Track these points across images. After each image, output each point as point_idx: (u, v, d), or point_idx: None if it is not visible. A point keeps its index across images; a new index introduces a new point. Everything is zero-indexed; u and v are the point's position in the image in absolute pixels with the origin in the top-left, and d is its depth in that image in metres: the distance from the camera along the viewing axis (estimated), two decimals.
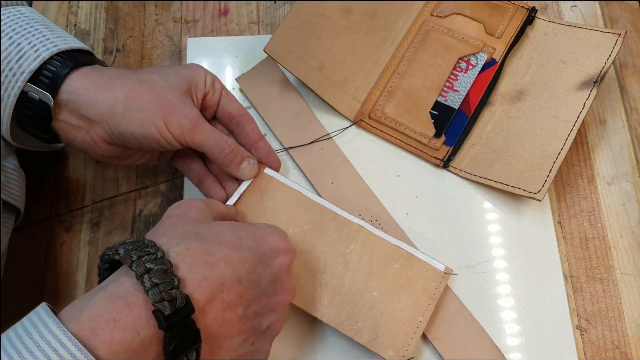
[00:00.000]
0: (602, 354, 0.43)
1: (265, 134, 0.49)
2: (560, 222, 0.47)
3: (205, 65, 0.52)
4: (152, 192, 0.49)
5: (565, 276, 0.45)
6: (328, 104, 0.49)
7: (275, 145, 0.49)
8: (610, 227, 0.47)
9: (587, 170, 0.49)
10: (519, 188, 0.44)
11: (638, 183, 0.48)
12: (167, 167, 0.50)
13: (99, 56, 0.54)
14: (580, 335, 0.44)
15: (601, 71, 0.47)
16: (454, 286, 0.44)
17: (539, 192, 0.43)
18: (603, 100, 0.51)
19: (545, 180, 0.44)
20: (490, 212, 0.47)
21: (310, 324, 0.44)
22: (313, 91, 0.49)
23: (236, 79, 0.51)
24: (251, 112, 0.50)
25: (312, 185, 0.47)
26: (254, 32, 0.55)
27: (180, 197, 0.48)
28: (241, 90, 0.51)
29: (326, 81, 0.49)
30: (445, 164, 0.48)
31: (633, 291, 0.45)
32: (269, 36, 0.54)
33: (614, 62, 0.51)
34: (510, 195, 0.47)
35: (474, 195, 0.47)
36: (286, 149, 0.48)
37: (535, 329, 0.43)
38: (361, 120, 0.49)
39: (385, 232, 0.44)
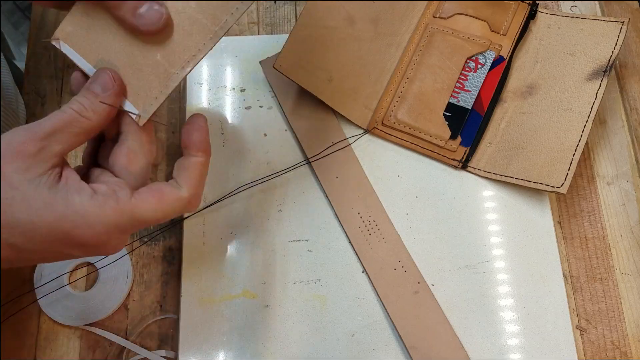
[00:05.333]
0: (602, 353, 0.43)
1: (286, 130, 0.50)
2: (560, 222, 0.47)
3: (206, 66, 0.52)
4: None
5: (565, 276, 0.45)
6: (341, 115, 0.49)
7: (291, 139, 0.49)
8: (610, 227, 0.47)
9: (586, 170, 0.49)
10: (542, 183, 0.44)
11: (638, 183, 0.48)
12: (167, 166, 0.50)
13: None
14: (580, 335, 0.44)
15: (609, 60, 0.47)
16: (453, 285, 0.44)
17: (562, 185, 0.43)
18: (603, 100, 0.51)
19: (567, 173, 0.44)
20: (490, 212, 0.47)
21: (311, 323, 0.44)
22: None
23: (260, 62, 0.51)
24: (272, 100, 0.51)
25: (317, 177, 0.48)
26: (254, 32, 0.55)
27: None
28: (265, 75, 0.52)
29: (337, 92, 0.49)
30: (464, 165, 0.48)
31: (633, 291, 0.45)
32: (269, 36, 0.54)
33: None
34: (510, 195, 0.47)
35: (474, 195, 0.47)
36: (308, 161, 0.48)
37: (535, 329, 0.43)
38: (375, 127, 0.49)
39: (381, 234, 0.45)
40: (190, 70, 0.34)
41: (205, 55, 0.33)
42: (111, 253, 0.32)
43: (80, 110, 0.31)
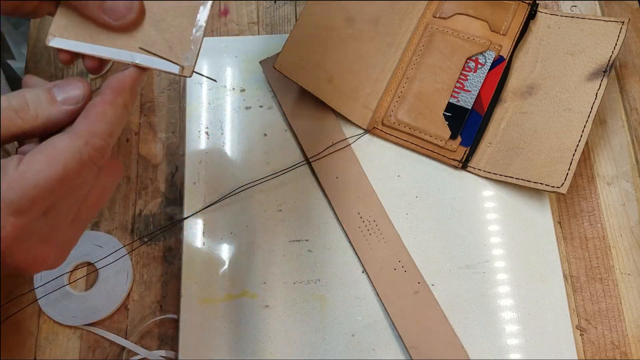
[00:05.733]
0: (602, 354, 0.43)
1: (286, 130, 0.50)
2: (560, 222, 0.47)
3: (206, 66, 0.52)
4: (152, 191, 0.49)
5: (565, 276, 0.45)
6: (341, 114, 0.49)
7: (291, 139, 0.49)
8: (610, 227, 0.47)
9: (586, 170, 0.49)
10: (541, 183, 0.44)
11: (638, 183, 0.48)
12: (167, 166, 0.50)
13: None
14: (580, 335, 0.44)
15: (609, 60, 0.47)
16: (453, 285, 0.44)
17: (562, 185, 0.44)
18: (603, 100, 0.51)
19: (567, 173, 0.44)
20: (490, 212, 0.47)
21: (311, 323, 0.44)
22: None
23: (260, 62, 0.51)
24: (272, 100, 0.51)
25: (317, 177, 0.48)
26: (254, 32, 0.55)
27: (181, 197, 0.48)
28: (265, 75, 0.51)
29: (337, 92, 0.49)
30: (464, 165, 0.48)
31: (633, 291, 0.45)
32: (269, 36, 0.54)
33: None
34: (510, 195, 0.47)
35: (474, 195, 0.47)
36: (308, 161, 0.48)
37: (535, 329, 0.43)
38: (375, 127, 0.49)
39: (381, 234, 0.45)
40: None
41: None
42: (11, 250, 0.26)
43: (18, 108, 0.28)
